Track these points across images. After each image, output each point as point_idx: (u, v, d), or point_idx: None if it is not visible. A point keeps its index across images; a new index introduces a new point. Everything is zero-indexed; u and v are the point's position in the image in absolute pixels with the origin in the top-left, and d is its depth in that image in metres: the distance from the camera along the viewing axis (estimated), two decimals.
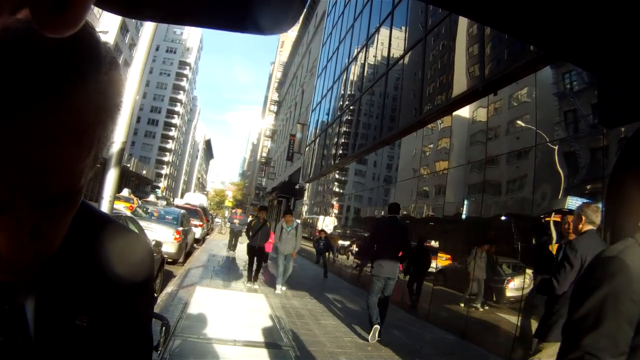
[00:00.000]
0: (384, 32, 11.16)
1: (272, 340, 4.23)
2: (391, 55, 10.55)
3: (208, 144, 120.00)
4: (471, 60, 6.61)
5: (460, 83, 6.80)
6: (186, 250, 9.60)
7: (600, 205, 2.85)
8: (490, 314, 5.35)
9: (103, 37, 0.34)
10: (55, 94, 0.29)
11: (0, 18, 0.21)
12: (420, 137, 8.30)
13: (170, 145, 67.61)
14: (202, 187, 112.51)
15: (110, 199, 2.62)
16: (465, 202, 6.45)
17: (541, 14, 0.36)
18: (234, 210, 16.10)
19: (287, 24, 0.32)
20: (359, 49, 13.53)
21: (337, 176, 14.61)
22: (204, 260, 9.80)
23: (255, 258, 7.37)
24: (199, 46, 75.49)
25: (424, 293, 6.83)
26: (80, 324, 0.41)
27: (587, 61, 0.43)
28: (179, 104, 67.17)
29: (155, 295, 4.93)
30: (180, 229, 8.62)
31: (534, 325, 3.56)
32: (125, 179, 35.39)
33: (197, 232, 13.26)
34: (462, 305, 5.80)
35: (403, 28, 10.06)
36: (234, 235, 12.37)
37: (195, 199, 27.03)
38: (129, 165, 34.94)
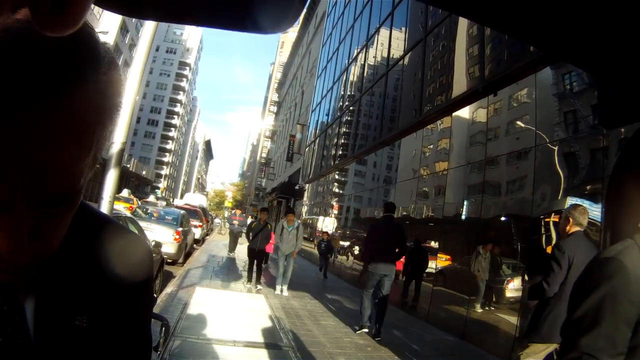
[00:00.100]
0: (383, 32, 11.16)
1: (271, 341, 4.23)
2: (391, 55, 10.54)
3: (208, 144, 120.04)
4: (471, 61, 6.60)
5: (460, 84, 6.80)
6: (186, 250, 9.60)
7: (588, 206, 2.86)
8: (490, 315, 5.35)
9: (103, 38, 0.34)
10: (55, 94, 0.29)
11: (0, 18, 0.21)
12: (420, 137, 8.30)
13: (170, 145, 67.59)
14: (201, 187, 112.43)
15: (110, 199, 2.62)
16: (465, 202, 6.45)
17: (541, 14, 0.36)
18: (233, 211, 15.95)
19: (287, 23, 0.32)
20: (358, 50, 13.52)
21: (336, 177, 14.60)
22: (204, 260, 9.80)
23: (255, 261, 7.19)
24: (199, 46, 75.53)
25: (423, 294, 6.82)
26: (80, 324, 0.41)
27: (587, 62, 0.43)
28: (178, 105, 67.18)
29: (155, 295, 4.93)
30: (180, 229, 8.63)
31: None
32: (125, 179, 35.40)
33: (197, 233, 13.27)
34: (462, 306, 5.80)
35: (403, 29, 10.06)
36: (234, 236, 12.15)
37: (195, 199, 27.02)
38: (128, 165, 34.97)
